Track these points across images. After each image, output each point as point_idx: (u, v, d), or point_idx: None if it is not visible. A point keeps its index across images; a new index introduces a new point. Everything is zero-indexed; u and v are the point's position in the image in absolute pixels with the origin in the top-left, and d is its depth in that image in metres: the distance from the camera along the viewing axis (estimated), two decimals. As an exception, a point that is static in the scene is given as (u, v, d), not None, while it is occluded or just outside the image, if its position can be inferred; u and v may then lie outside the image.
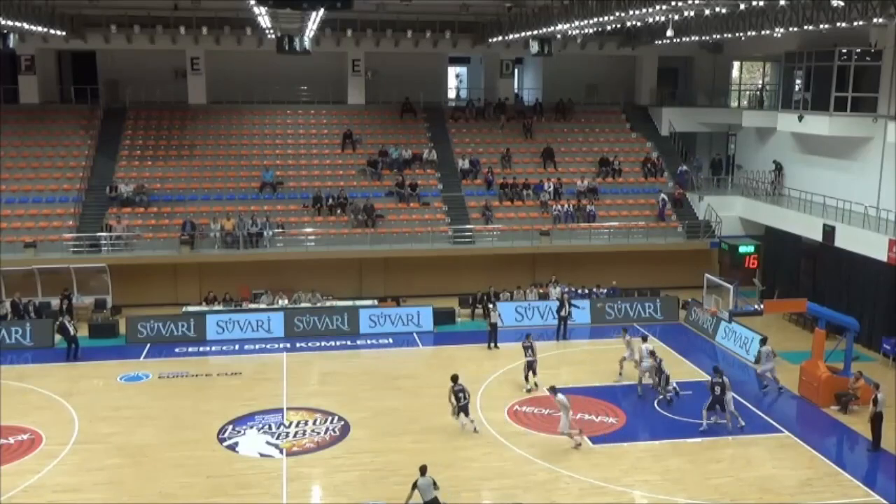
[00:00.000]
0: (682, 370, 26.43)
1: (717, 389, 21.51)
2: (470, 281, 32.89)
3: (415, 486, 16.61)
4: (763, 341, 25.58)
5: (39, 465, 19.54)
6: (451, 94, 46.46)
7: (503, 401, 23.55)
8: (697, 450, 20.61)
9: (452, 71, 47.39)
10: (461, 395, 21.36)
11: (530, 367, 24.39)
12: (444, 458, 19.96)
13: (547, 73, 43.54)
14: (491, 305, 28.98)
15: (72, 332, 27.24)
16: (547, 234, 34.27)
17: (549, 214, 35.41)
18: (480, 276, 32.79)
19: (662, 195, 36.00)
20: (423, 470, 16.85)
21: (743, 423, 21.72)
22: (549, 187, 36.39)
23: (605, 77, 42.49)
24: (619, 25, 29.10)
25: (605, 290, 32.53)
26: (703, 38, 32.56)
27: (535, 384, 24.28)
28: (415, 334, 29.73)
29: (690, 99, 41.97)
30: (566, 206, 35.55)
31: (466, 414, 21.58)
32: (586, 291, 32.39)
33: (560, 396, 20.70)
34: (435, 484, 16.76)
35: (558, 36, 32.05)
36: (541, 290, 32.26)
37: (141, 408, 23.21)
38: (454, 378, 21.67)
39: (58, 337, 28.23)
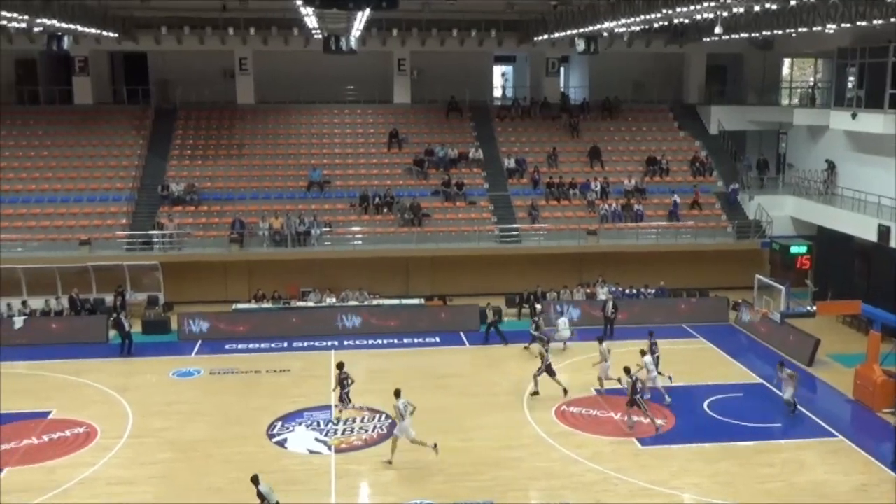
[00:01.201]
0: (732, 372, 26.13)
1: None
2: (516, 280, 32.83)
3: (259, 495, 16.30)
4: (781, 364, 23.72)
5: (95, 458, 19.97)
6: (497, 92, 46.43)
7: (550, 401, 23.46)
8: (749, 453, 20.34)
9: (498, 70, 47.35)
10: (345, 382, 21.90)
11: (547, 370, 23.93)
12: (491, 458, 20.00)
13: (593, 71, 43.32)
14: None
15: (126, 328, 27.76)
16: (594, 234, 34.08)
17: (596, 214, 35.21)
18: (527, 276, 32.71)
19: (676, 196, 35.50)
20: (255, 480, 16.48)
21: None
22: (596, 186, 36.17)
23: (653, 75, 42.10)
24: (666, 23, 28.84)
25: (652, 291, 32.25)
26: (753, 34, 32.14)
27: (565, 390, 23.85)
28: (461, 333, 29.76)
29: (740, 97, 41.43)
30: (613, 205, 35.31)
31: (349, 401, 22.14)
32: (634, 291, 32.14)
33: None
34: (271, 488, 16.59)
35: (604, 34, 31.85)
36: (588, 290, 32.08)
37: (192, 403, 23.59)
38: (339, 365, 22.30)
39: (112, 332, 28.77)
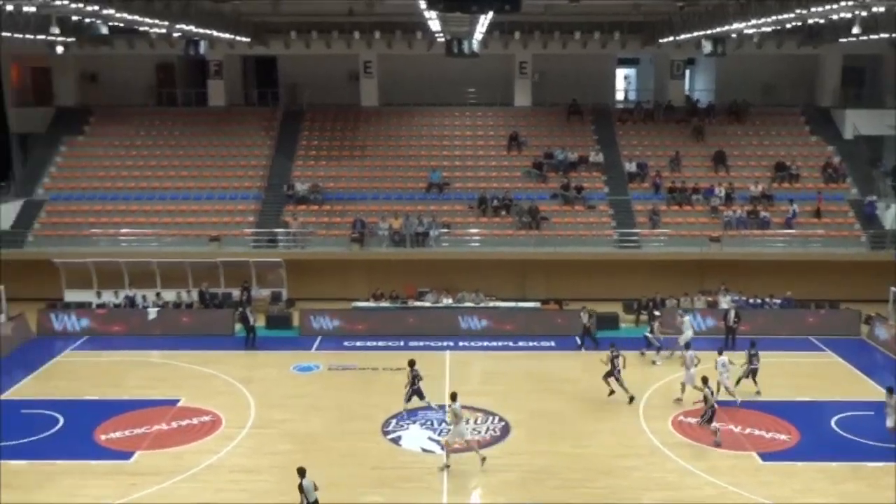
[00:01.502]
0: (863, 389, 24.92)
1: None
2: (634, 286, 32.27)
3: (300, 488, 16.17)
4: (720, 351, 23.85)
5: (219, 446, 20.79)
6: (619, 95, 45.78)
7: (667, 410, 22.98)
8: (878, 474, 19.35)
9: (621, 72, 46.67)
10: (415, 379, 22.24)
11: (611, 375, 23.61)
12: (604, 465, 19.76)
13: (720, 73, 42.16)
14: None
15: (251, 323, 28.79)
16: (717, 241, 33.14)
17: (720, 220, 34.24)
18: (645, 282, 32.12)
19: (794, 206, 33.96)
20: (301, 472, 16.29)
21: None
22: (721, 192, 35.18)
23: (783, 77, 40.62)
24: (799, 23, 27.76)
25: (778, 301, 31.06)
26: (894, 35, 30.51)
27: (631, 397, 23.57)
28: (577, 338, 29.50)
29: (878, 100, 39.41)
30: (738, 211, 34.26)
31: (421, 398, 22.39)
32: (758, 301, 31.06)
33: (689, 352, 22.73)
34: (315, 486, 16.35)
35: (733, 35, 30.93)
36: (709, 299, 31.20)
37: (311, 397, 24.25)
38: (411, 363, 22.54)
39: (238, 326, 29.90)
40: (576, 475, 19.30)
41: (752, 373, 24.05)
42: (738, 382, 23.81)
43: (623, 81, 48.17)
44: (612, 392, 23.67)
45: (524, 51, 39.43)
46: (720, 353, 23.72)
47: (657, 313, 28.51)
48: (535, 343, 29.17)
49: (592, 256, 33.21)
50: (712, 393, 21.41)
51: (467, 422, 19.97)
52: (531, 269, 34.00)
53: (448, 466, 19.53)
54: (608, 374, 23.54)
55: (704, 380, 21.65)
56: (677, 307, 30.22)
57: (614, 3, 34.11)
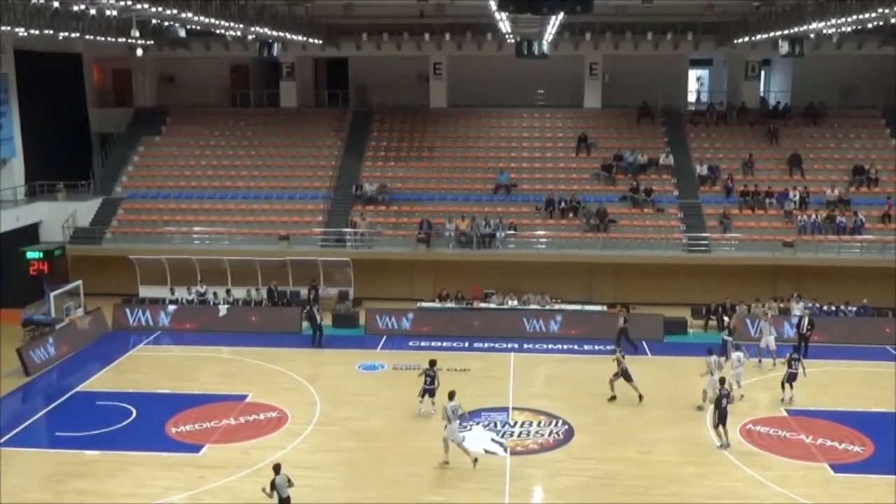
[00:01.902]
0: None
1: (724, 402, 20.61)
2: (704, 291, 31.66)
3: (272, 484, 16.13)
4: (709, 351, 23.54)
5: (284, 442, 21.11)
6: (692, 97, 45.04)
7: (737, 417, 22.42)
8: (958, 490, 18.65)
9: (693, 73, 45.93)
10: (431, 379, 22.30)
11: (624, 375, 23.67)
12: (671, 473, 19.46)
13: (797, 74, 41.17)
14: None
15: (318, 321, 29.16)
16: (790, 246, 32.35)
17: (794, 225, 33.41)
18: (715, 287, 31.49)
19: (860, 215, 32.87)
20: (277, 469, 16.33)
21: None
22: (795, 196, 34.32)
23: (863, 78, 39.39)
24: (881, 23, 26.88)
25: (854, 309, 30.12)
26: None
27: (640, 396, 23.69)
28: (644, 342, 29.11)
29: (963, 102, 37.99)
30: (813, 216, 33.37)
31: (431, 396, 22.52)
32: (832, 309, 30.18)
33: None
34: (290, 482, 16.34)
35: (811, 35, 30.14)
36: (781, 305, 30.45)
37: (375, 396, 24.44)
38: (432, 363, 22.62)
39: (305, 324, 30.31)
40: (641, 482, 19.05)
41: (790, 377, 23.56)
42: (782, 387, 23.62)
43: (695, 83, 47.38)
44: (613, 397, 23.70)
45: (595, 52, 39.10)
46: (709, 354, 23.44)
47: (727, 319, 27.95)
48: (601, 347, 28.87)
49: (661, 260, 32.74)
50: (727, 395, 21.03)
51: (463, 423, 20.30)
52: (598, 273, 33.68)
53: (447, 462, 19.67)
54: (625, 376, 23.59)
55: (721, 381, 21.41)
56: (748, 313, 29.59)
57: (688, 4, 33.58)
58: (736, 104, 39.80)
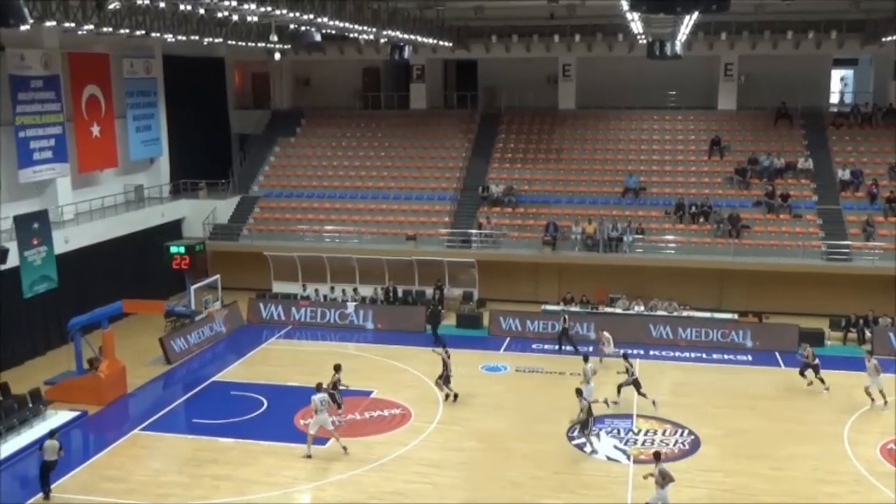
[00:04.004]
0: None
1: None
2: (844, 301, 30.20)
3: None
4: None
5: (407, 439, 21.46)
6: (834, 98, 43.02)
7: (876, 436, 21.38)
8: None
9: (836, 74, 43.85)
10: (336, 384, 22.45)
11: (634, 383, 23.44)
12: (804, 491, 18.70)
13: (954, 73, 38.66)
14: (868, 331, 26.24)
15: (437, 321, 29.54)
16: (941, 256, 30.46)
17: (945, 234, 31.44)
18: (856, 298, 29.98)
19: None
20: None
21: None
22: (947, 203, 32.30)
23: None
24: None
25: None
26: None
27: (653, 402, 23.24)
28: (776, 353, 28.03)
29: None
30: (967, 225, 31.33)
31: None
32: None
33: None
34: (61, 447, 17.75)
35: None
36: (929, 319, 28.73)
37: (497, 397, 24.50)
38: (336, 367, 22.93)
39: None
40: (771, 498, 18.38)
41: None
42: None
43: (838, 83, 45.23)
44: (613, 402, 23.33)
45: (730, 52, 37.92)
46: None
47: (868, 332, 26.58)
48: (731, 356, 27.98)
49: (797, 268, 31.41)
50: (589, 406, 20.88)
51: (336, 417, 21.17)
52: (729, 279, 32.63)
53: (344, 454, 20.30)
54: (635, 384, 23.34)
55: (578, 392, 21.08)
56: (891, 326, 28.05)
57: (832, 1, 32.11)
58: (882, 106, 37.76)
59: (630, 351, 27.99)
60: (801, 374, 24.96)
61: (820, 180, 34.97)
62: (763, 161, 35.66)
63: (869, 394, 23.27)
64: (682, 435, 21.72)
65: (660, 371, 26.93)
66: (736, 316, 30.41)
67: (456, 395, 23.83)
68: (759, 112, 38.80)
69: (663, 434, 21.77)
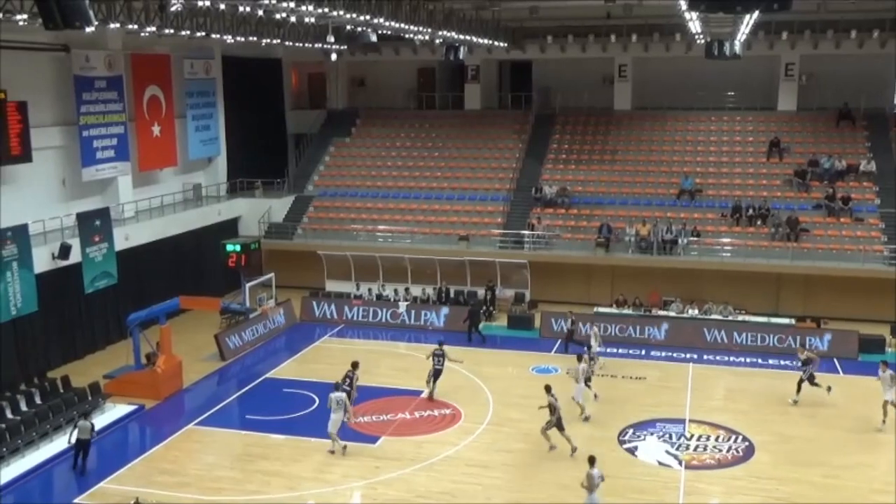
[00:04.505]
0: None
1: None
2: (907, 308, 29.49)
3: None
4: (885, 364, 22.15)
5: (457, 439, 21.52)
6: (899, 99, 41.87)
7: (938, 447, 20.82)
8: None
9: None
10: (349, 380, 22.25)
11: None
12: (860, 501, 18.29)
13: None
14: None
15: (478, 319, 29.93)
16: None
17: None
18: (920, 304, 29.24)
19: None
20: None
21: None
22: None
23: None
24: None
25: None
26: None
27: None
28: (835, 360, 27.44)
29: None
30: None
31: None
32: None
33: None
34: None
35: None
36: None
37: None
38: (354, 364, 22.77)
39: (481, 324, 30.63)
40: (827, 506, 18.03)
41: None
42: None
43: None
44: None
45: (791, 52, 37.18)
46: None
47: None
48: (788, 362, 27.42)
49: (858, 273, 30.66)
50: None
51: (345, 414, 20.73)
52: (787, 284, 32.02)
53: (332, 452, 20.53)
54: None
55: (547, 388, 20.62)
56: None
57: (898, -1, 31.32)
58: (952, 107, 36.72)
59: (684, 355, 27.79)
60: (812, 382, 23.90)
61: (883, 183, 34.10)
62: (824, 163, 34.90)
63: (886, 409, 22.08)
64: (735, 441, 21.40)
65: (714, 376, 26.57)
66: (793, 321, 29.82)
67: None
68: (820, 113, 37.98)
69: (717, 440, 21.48)
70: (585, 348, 25.77)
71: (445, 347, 24.76)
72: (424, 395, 24.34)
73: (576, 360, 23.48)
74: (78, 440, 19.65)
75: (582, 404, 22.88)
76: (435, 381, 24.20)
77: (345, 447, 20.62)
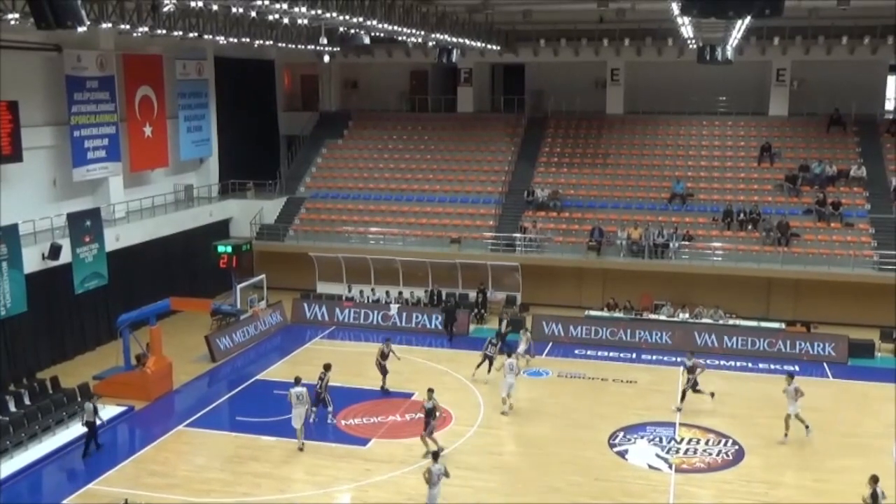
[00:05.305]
0: None
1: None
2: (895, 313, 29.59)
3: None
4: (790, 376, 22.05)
5: (448, 442, 21.43)
6: (889, 105, 42.07)
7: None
8: None
9: (892, 80, 42.86)
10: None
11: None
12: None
13: None
14: None
15: (452, 319, 30.05)
16: None
17: None
18: (910, 309, 29.36)
19: None
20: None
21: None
22: None
23: None
24: None
25: None
26: None
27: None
28: (825, 365, 27.53)
29: None
30: None
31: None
32: None
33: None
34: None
35: None
36: None
37: (538, 402, 24.41)
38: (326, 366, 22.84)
39: (472, 326, 30.64)
40: (818, 511, 18.08)
41: None
42: None
43: (894, 90, 44.19)
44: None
45: (783, 57, 37.35)
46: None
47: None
48: (777, 366, 27.49)
49: (848, 278, 30.79)
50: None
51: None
52: (777, 288, 32.13)
53: (301, 449, 20.78)
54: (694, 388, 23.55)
55: (430, 391, 20.95)
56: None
57: (889, 5, 31.36)
58: (940, 113, 36.93)
59: (674, 358, 27.79)
60: (694, 389, 23.60)
61: (873, 189, 34.27)
62: (814, 168, 35.06)
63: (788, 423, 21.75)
64: (725, 445, 21.45)
65: (704, 380, 26.51)
66: (783, 325, 29.93)
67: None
68: (811, 118, 38.15)
69: (707, 444, 21.52)
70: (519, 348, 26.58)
71: (393, 346, 25.64)
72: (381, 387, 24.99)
73: (506, 356, 24.17)
74: (85, 422, 20.20)
75: (506, 398, 23.26)
76: (385, 375, 24.98)
77: (302, 446, 20.87)
